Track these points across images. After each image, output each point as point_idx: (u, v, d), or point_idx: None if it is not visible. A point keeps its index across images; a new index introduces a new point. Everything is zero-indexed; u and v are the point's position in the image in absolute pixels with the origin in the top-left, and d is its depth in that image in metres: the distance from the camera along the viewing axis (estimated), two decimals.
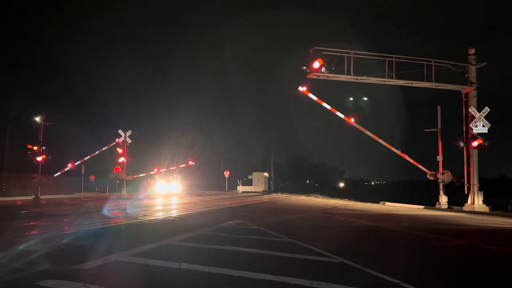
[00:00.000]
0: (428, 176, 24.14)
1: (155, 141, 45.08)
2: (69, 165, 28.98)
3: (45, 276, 5.91)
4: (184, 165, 41.66)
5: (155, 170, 38.51)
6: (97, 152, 31.42)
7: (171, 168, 40.54)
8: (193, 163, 42.51)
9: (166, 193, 41.48)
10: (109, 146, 33.52)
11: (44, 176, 26.12)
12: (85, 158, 30.26)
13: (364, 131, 23.24)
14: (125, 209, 19.81)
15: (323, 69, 19.53)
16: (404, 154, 23.73)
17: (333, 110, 22.69)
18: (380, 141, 23.54)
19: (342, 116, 22.84)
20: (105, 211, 18.53)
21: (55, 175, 27.55)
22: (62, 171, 28.20)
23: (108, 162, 38.57)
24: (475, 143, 20.88)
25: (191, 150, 56.27)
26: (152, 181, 55.47)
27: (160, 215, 16.38)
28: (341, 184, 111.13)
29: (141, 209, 19.46)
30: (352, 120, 23.09)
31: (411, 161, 23.83)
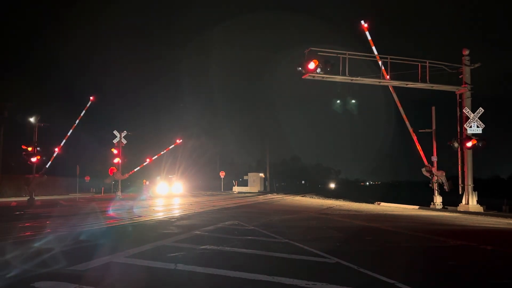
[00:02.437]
0: (423, 170, 24.15)
1: (151, 142, 44.73)
2: (56, 149, 27.92)
3: (40, 277, 5.89)
4: (172, 145, 40.71)
5: (147, 160, 37.97)
6: (76, 121, 29.36)
7: (162, 153, 39.76)
8: (180, 141, 41.45)
9: (167, 194, 41.17)
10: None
11: (37, 176, 25.84)
12: (68, 134, 28.75)
13: (392, 91, 23.14)
14: (120, 210, 19.74)
15: (318, 70, 19.56)
16: (414, 134, 23.92)
17: (378, 58, 22.03)
18: (401, 109, 23.65)
19: (380, 63, 21.94)
20: (101, 212, 18.45)
21: (46, 166, 26.74)
22: (52, 158, 27.32)
23: (104, 163, 38.34)
24: (469, 144, 20.89)
25: (188, 152, 56.15)
26: (147, 182, 55.13)
27: (155, 216, 16.33)
28: (336, 185, 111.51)
29: (137, 210, 19.39)
30: (388, 77, 22.03)
31: (417, 145, 23.99)
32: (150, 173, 50.59)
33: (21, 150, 25.57)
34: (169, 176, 47.18)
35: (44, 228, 12.12)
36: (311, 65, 19.37)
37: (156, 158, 38.85)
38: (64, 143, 28.57)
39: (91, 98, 29.42)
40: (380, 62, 21.70)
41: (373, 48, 22.03)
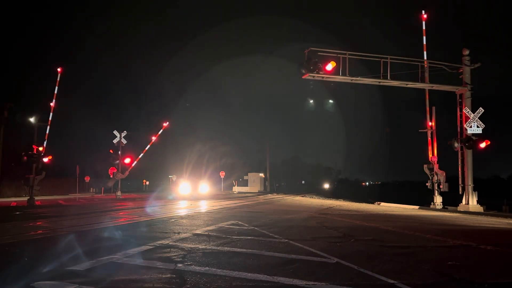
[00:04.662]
0: (426, 166, 24.23)
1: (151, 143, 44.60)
2: (45, 139, 27.16)
3: (39, 277, 5.88)
4: (161, 130, 39.46)
5: (142, 153, 37.44)
6: (53, 100, 27.54)
7: (152, 140, 38.51)
8: (167, 123, 40.00)
9: (190, 195, 38.49)
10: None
11: (37, 175, 25.78)
12: (50, 118, 27.32)
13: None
14: (118, 210, 19.74)
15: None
16: (430, 130, 24.39)
17: (424, 48, 23.36)
18: (427, 105, 24.36)
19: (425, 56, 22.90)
20: (99, 212, 18.46)
21: (43, 160, 26.13)
22: (43, 149, 26.55)
23: (103, 163, 38.33)
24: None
25: (189, 153, 56.14)
26: (147, 182, 54.95)
27: (155, 216, 16.33)
28: (334, 185, 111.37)
29: (135, 210, 19.40)
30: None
31: (429, 139, 24.37)
32: (165, 173, 50.33)
33: (21, 150, 25.52)
34: (169, 176, 47.13)
35: (43, 228, 12.13)
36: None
37: (149, 148, 38.30)
38: (65, 143, 28.42)
39: (58, 69, 27.50)
40: (425, 53, 22.81)
41: (424, 38, 23.43)
